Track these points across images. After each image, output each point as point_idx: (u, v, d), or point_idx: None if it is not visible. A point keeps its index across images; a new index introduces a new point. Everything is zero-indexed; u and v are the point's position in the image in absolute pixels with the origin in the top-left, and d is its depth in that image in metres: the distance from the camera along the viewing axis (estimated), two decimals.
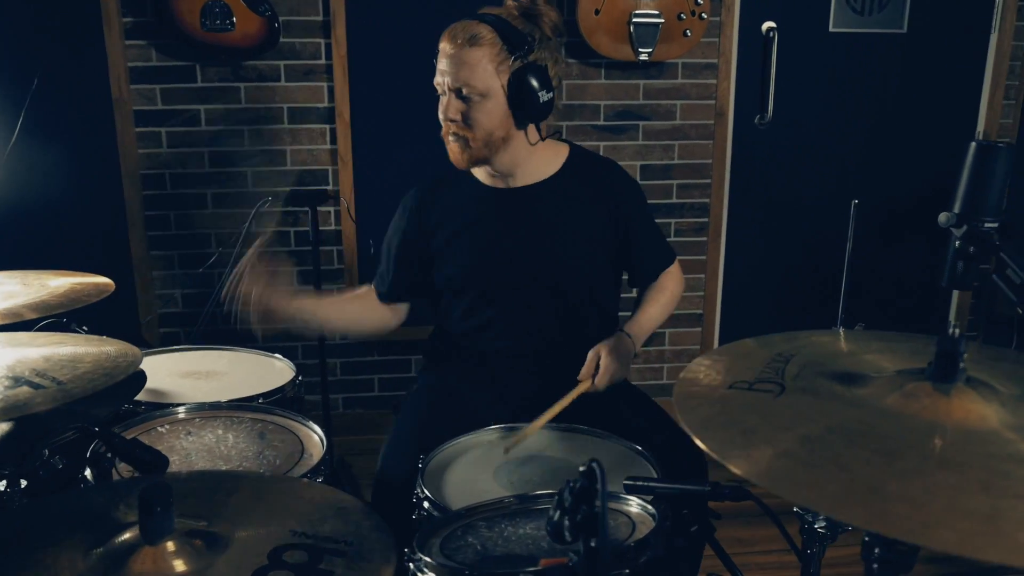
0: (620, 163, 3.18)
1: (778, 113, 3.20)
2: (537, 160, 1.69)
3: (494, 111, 1.57)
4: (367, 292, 1.84)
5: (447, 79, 1.57)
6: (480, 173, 1.73)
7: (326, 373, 2.60)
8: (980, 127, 3.14)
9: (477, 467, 1.39)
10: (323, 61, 2.75)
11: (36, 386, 0.97)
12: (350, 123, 2.79)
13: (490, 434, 1.50)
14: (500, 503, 1.13)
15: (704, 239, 3.10)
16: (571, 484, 0.80)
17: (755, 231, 3.14)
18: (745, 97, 2.98)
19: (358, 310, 1.83)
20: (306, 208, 2.62)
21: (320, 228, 2.62)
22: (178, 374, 1.90)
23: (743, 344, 1.00)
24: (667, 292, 1.83)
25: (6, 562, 0.97)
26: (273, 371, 1.95)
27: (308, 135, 2.82)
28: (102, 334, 1.83)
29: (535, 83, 1.56)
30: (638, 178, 3.00)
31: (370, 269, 2.87)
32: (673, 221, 3.07)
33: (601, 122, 2.94)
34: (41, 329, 1.72)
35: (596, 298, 1.77)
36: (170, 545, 0.95)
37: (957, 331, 0.80)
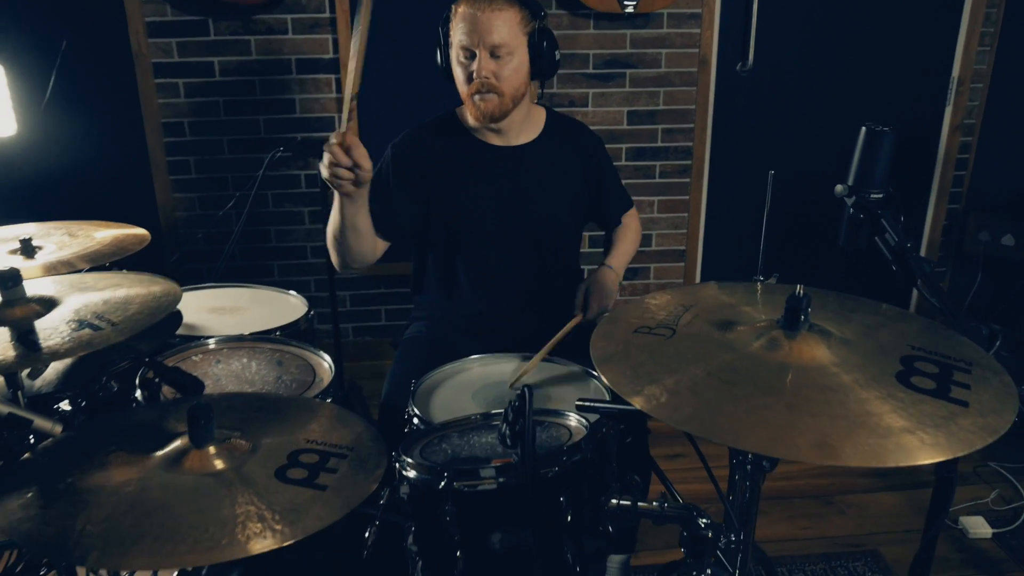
0: (608, 109, 3.37)
1: (759, 60, 3.35)
2: (529, 121, 1.91)
3: (520, 69, 1.77)
4: None
5: (480, 40, 1.70)
6: (480, 129, 1.87)
7: (336, 305, 2.87)
8: (955, 72, 3.29)
9: (459, 390, 1.66)
10: (327, 15, 2.93)
11: (96, 328, 1.23)
12: None
13: (472, 363, 1.77)
14: (468, 419, 1.40)
15: (687, 180, 3.31)
16: (512, 403, 1.06)
17: (735, 173, 3.34)
18: (727, 45, 3.14)
19: (368, 227, 1.78)
20: (317, 157, 2.84)
21: None
22: (206, 310, 2.18)
23: (663, 294, 1.24)
24: (632, 230, 2.13)
25: (84, 464, 1.25)
26: (288, 306, 2.22)
27: (314, 84, 3.02)
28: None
29: (549, 43, 1.79)
30: (625, 123, 3.19)
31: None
32: (658, 163, 3.28)
33: (590, 70, 3.11)
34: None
35: (567, 252, 2.03)
36: (212, 449, 1.23)
37: (802, 291, 1.04)
